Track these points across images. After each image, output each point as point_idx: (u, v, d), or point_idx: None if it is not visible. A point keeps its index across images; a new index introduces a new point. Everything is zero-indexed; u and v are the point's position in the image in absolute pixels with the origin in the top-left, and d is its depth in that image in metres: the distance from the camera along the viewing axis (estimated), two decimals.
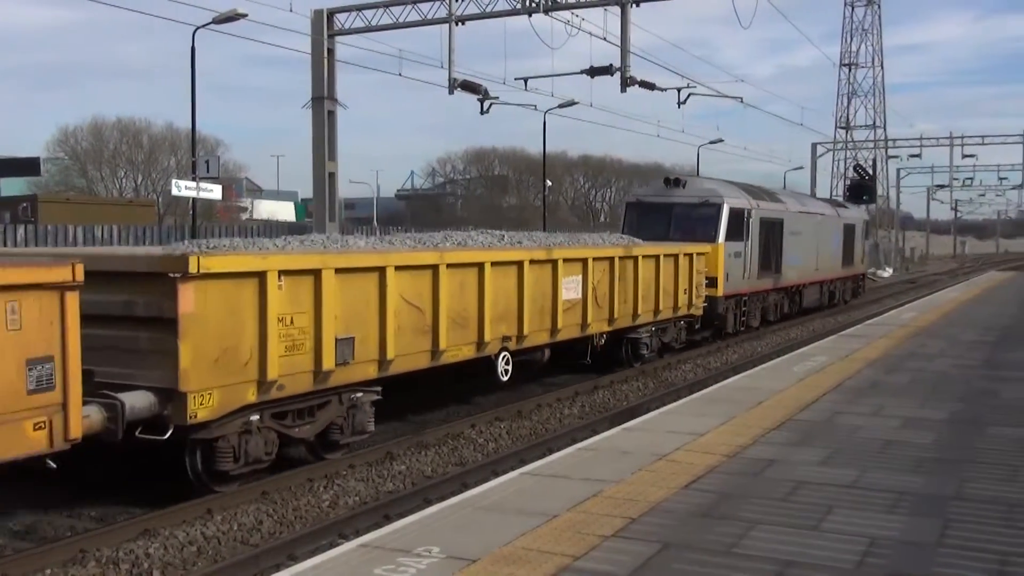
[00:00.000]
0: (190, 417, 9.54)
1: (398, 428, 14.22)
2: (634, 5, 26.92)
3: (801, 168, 75.38)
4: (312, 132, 32.66)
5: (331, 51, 32.00)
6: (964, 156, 76.91)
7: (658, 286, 19.63)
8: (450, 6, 29.21)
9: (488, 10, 29.30)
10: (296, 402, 11.06)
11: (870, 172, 60.89)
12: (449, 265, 13.23)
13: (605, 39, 27.67)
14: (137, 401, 9.22)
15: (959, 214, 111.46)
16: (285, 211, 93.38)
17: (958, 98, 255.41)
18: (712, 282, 23.07)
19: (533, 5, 28.23)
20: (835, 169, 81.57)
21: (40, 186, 66.20)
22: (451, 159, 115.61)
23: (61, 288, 8.14)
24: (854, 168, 63.41)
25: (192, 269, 9.37)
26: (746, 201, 26.15)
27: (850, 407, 11.17)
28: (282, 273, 10.49)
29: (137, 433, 9.44)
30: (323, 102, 32.05)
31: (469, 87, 29.25)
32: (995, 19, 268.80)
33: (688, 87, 32.75)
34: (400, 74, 33.82)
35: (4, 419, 7.74)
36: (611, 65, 27.72)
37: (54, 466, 8.46)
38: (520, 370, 15.63)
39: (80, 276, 8.27)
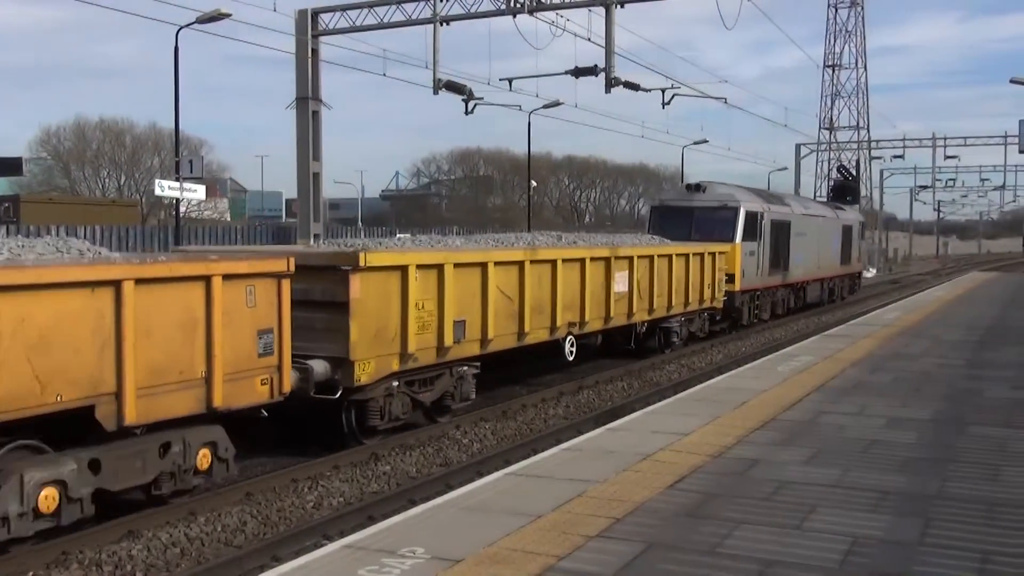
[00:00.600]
0: (356, 380, 12.01)
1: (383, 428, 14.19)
2: (618, 6, 26.97)
3: (785, 169, 75.69)
4: (296, 132, 32.59)
5: (315, 51, 31.94)
6: (947, 157, 77.25)
7: (687, 281, 22.17)
8: (435, 6, 29.20)
9: (473, 10, 29.30)
10: (423, 372, 13.56)
11: (853, 173, 61.11)
12: (532, 261, 15.73)
13: (590, 40, 27.73)
14: (319, 367, 11.66)
15: (942, 215, 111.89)
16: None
17: (941, 99, 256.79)
18: (730, 278, 25.50)
19: (518, 6, 28.23)
20: (819, 170, 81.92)
21: (23, 186, 65.85)
22: (436, 159, 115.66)
23: (279, 276, 10.56)
24: (838, 169, 63.63)
25: (361, 263, 11.89)
26: (759, 205, 28.71)
27: (834, 407, 11.21)
28: (418, 267, 12.98)
29: (312, 393, 11.60)
30: (307, 102, 31.98)
31: (454, 87, 29.24)
32: (977, 21, 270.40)
33: (672, 88, 32.82)
34: (385, 74, 33.77)
35: (244, 375, 10.15)
36: (596, 66, 27.76)
37: (266, 415, 10.84)
38: (539, 361, 17.82)
39: (292, 267, 10.66)
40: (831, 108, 79.69)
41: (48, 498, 8.44)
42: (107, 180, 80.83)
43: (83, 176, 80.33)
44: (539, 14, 27.79)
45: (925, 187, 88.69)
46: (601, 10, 27.21)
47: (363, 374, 12.12)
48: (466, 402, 14.59)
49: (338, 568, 5.88)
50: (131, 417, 8.98)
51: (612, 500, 7.26)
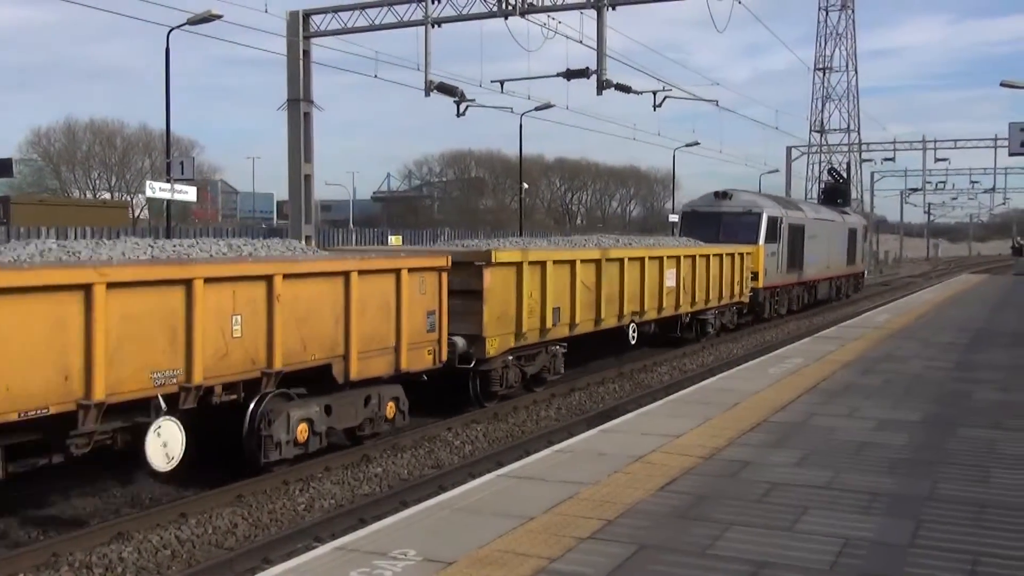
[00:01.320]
0: (486, 354, 14.92)
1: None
2: (610, 8, 26.99)
3: (776, 171, 75.75)
4: (288, 134, 32.53)
5: (307, 53, 31.90)
6: (937, 160, 77.48)
7: (721, 278, 25.19)
8: (426, 8, 29.18)
9: (464, 12, 29.30)
10: (529, 350, 16.49)
11: (844, 176, 61.35)
12: (606, 259, 18.80)
13: (581, 42, 27.72)
14: (460, 342, 14.57)
15: (932, 217, 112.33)
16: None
17: (931, 102, 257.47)
18: (754, 276, 28.51)
19: (509, 8, 28.23)
20: (809, 172, 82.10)
21: (13, 187, 65.64)
22: (427, 161, 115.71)
23: (440, 270, 13.68)
24: (828, 172, 63.86)
25: (492, 260, 14.89)
26: (778, 210, 32.04)
27: (825, 409, 11.23)
28: (529, 263, 15.94)
29: (456, 364, 14.51)
30: (299, 104, 31.94)
31: (445, 89, 29.21)
32: (967, 24, 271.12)
33: (664, 90, 32.81)
34: (376, 76, 33.68)
35: (418, 346, 13.21)
36: (587, 68, 27.75)
37: (425, 378, 13.71)
38: (605, 345, 20.51)
39: (450, 263, 13.81)
40: (822, 111, 79.91)
41: (302, 431, 11.31)
42: (98, 181, 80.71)
43: (73, 177, 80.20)
44: (531, 16, 27.80)
45: (915, 190, 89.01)
46: (593, 12, 27.23)
47: (491, 348, 15.08)
48: (557, 375, 17.62)
49: (329, 570, 5.88)
50: (353, 374, 12.02)
51: (604, 502, 7.27)
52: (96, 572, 8.46)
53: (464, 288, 14.51)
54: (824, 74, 79.42)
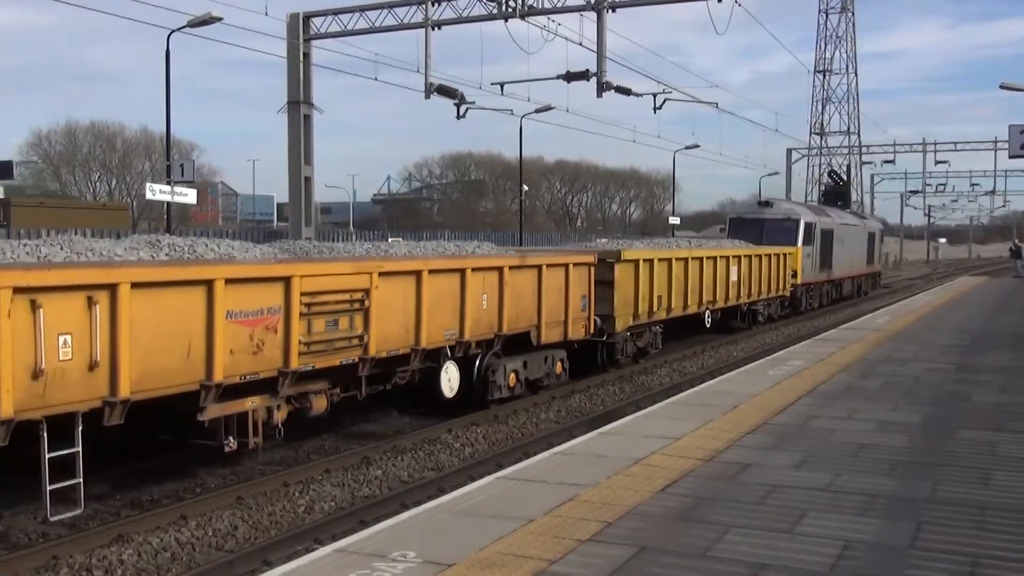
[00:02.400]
0: (615, 329, 19.32)
1: (375, 432, 14.19)
2: (610, 11, 27.04)
3: (776, 173, 75.85)
4: (288, 136, 32.59)
5: (307, 55, 31.96)
6: (937, 162, 77.64)
7: (769, 275, 29.58)
8: (426, 11, 29.23)
9: (464, 15, 29.34)
10: (639, 329, 20.90)
11: (844, 178, 61.39)
12: (692, 258, 23.38)
13: (581, 44, 27.79)
14: (597, 320, 18.56)
15: (932, 219, 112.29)
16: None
17: (931, 105, 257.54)
18: (793, 274, 32.68)
19: (509, 10, 28.28)
20: (809, 175, 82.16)
21: (13, 190, 65.56)
22: (427, 164, 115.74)
23: (590, 265, 18.15)
24: (828, 174, 63.88)
25: (621, 258, 19.38)
26: (812, 217, 36.62)
27: (824, 411, 11.23)
28: (643, 260, 20.37)
29: (593, 336, 18.64)
30: (299, 106, 32.00)
31: (445, 92, 29.24)
32: (966, 27, 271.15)
33: (664, 92, 32.91)
34: (376, 78, 33.79)
35: (576, 321, 17.60)
36: (587, 70, 27.82)
37: (576, 346, 18.05)
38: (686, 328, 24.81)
39: (596, 260, 18.39)
40: (822, 113, 79.97)
41: (512, 379, 15.95)
42: (98, 184, 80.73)
43: (74, 180, 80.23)
44: (531, 19, 27.87)
45: (916, 192, 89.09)
46: (593, 15, 27.30)
47: (619, 326, 19.42)
48: (656, 350, 22.11)
49: (329, 572, 5.88)
50: (543, 339, 16.60)
51: (603, 504, 7.27)
52: (96, 574, 8.46)
53: (600, 279, 18.59)
54: (824, 76, 79.49)
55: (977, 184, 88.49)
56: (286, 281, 10.89)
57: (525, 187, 63.88)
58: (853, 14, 79.22)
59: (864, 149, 79.81)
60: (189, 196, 29.81)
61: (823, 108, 79.86)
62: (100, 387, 8.85)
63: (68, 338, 8.59)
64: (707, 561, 6.03)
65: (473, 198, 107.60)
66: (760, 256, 28.76)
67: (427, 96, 29.05)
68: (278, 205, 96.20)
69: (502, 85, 31.04)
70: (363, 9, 30.97)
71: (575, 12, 27.73)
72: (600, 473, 8.21)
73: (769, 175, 75.01)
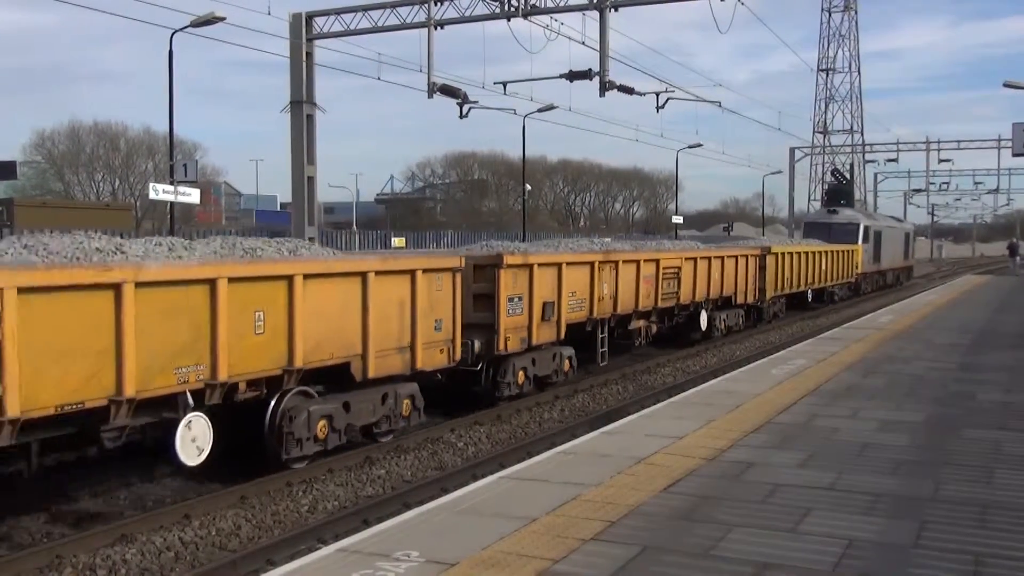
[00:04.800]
0: (767, 297, 28.64)
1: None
2: (612, 10, 27.01)
3: (780, 172, 75.79)
4: (291, 136, 32.58)
5: (309, 55, 31.95)
6: (940, 161, 77.46)
7: (842, 265, 39.08)
8: (429, 10, 29.21)
9: (467, 14, 29.32)
10: (780, 296, 29.00)
11: (848, 177, 61.44)
12: (799, 252, 32.18)
13: (584, 44, 27.75)
14: (760, 293, 27.77)
15: (936, 218, 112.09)
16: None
17: (934, 104, 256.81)
18: (856, 266, 41.97)
19: (512, 10, 28.25)
20: (813, 173, 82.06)
21: (17, 190, 65.80)
22: (431, 163, 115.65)
23: (758, 257, 27.83)
24: (832, 173, 63.82)
25: (771, 251, 28.76)
26: (868, 221, 47.33)
27: (828, 410, 11.23)
28: (781, 253, 28.92)
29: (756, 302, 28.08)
30: (302, 106, 31.98)
31: (448, 91, 29.22)
32: (968, 25, 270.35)
33: (666, 92, 32.84)
34: (379, 78, 33.65)
35: (750, 292, 27.22)
36: (590, 69, 27.77)
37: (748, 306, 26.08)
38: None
39: (760, 252, 28.17)
40: (825, 112, 79.91)
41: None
42: (101, 184, 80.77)
43: (77, 180, 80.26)
44: (533, 18, 27.83)
45: (919, 191, 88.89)
46: (595, 14, 27.27)
47: (768, 295, 28.81)
48: (778, 318, 29.64)
49: (332, 571, 5.89)
50: (738, 300, 25.71)
51: (607, 503, 7.27)
52: (100, 574, 8.47)
53: (761, 265, 27.97)
54: (827, 75, 79.43)
55: (980, 182, 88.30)
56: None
57: (528, 187, 63.84)
58: (856, 12, 79.19)
59: (867, 148, 79.74)
60: (192, 196, 29.87)
61: (826, 107, 79.85)
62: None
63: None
64: (710, 560, 6.03)
65: (476, 198, 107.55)
66: (837, 252, 38.50)
67: (430, 96, 29.03)
68: (281, 205, 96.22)
69: (505, 85, 31.02)
70: (366, 9, 30.95)
71: (578, 11, 27.70)
72: (603, 472, 8.21)
73: (772, 174, 75.02)
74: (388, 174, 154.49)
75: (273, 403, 11.14)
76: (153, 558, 8.85)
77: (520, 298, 15.58)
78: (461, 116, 30.15)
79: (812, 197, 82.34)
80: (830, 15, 78.83)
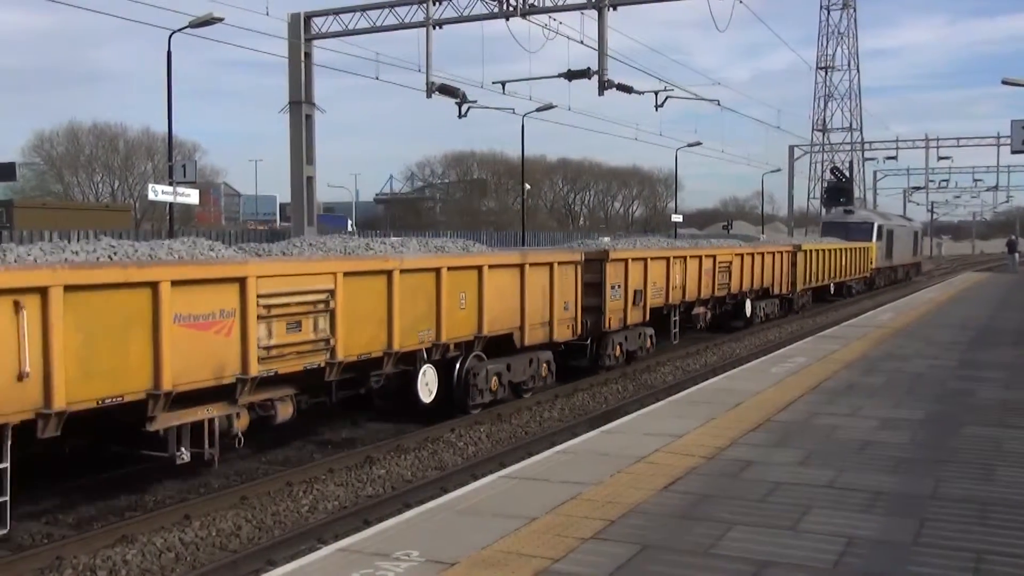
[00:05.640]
0: (797, 288, 32.56)
1: (378, 432, 14.19)
2: (611, 8, 27.01)
3: (779, 170, 75.73)
4: (290, 136, 32.60)
5: (308, 55, 31.97)
6: (939, 158, 77.41)
7: (858, 261, 42.67)
8: (427, 10, 29.22)
9: (465, 14, 29.33)
10: (808, 289, 33.44)
11: (847, 175, 61.54)
12: (830, 249, 37.54)
13: (582, 43, 27.76)
14: (792, 284, 32.04)
15: (935, 216, 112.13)
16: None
17: (933, 101, 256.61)
18: (870, 261, 45.82)
19: (510, 9, 28.27)
20: (812, 171, 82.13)
21: (16, 191, 65.79)
22: (429, 163, 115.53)
23: (791, 253, 31.69)
24: (831, 170, 63.91)
25: (802, 248, 33.06)
26: (881, 220, 51.54)
27: (827, 408, 11.23)
28: (810, 251, 33.94)
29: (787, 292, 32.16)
30: (300, 106, 32.00)
31: (447, 91, 29.24)
32: (966, 23, 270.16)
33: (665, 90, 32.89)
34: (377, 78, 33.73)
35: (785, 284, 31.33)
36: (589, 68, 27.79)
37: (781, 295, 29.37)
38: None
39: (793, 249, 32.02)
40: (824, 110, 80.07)
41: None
42: (100, 185, 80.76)
43: (76, 181, 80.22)
44: (532, 17, 27.84)
45: (918, 188, 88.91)
46: (593, 13, 27.28)
47: (799, 287, 32.45)
48: (810, 306, 33.75)
49: (332, 571, 5.89)
50: (774, 291, 29.84)
51: (606, 502, 7.27)
52: (100, 575, 8.46)
53: (792, 262, 31.41)
54: (826, 73, 79.54)
55: (980, 180, 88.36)
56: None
57: (527, 186, 63.85)
58: (855, 10, 79.33)
59: (866, 145, 79.81)
60: (191, 197, 29.84)
61: (825, 105, 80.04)
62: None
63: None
64: (710, 559, 6.03)
65: (475, 197, 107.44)
66: (855, 249, 42.54)
67: (429, 95, 29.05)
68: (280, 205, 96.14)
69: (503, 84, 31.04)
70: (364, 9, 30.97)
71: (576, 10, 27.71)
72: (603, 471, 8.21)
73: (772, 172, 74.99)
74: (387, 174, 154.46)
75: (459, 363, 14.49)
76: (153, 559, 8.85)
77: (619, 286, 19.20)
78: (460, 116, 30.17)
79: (811, 195, 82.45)
80: (829, 13, 78.99)
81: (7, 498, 8.43)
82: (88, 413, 8.87)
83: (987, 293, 34.81)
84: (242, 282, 10.28)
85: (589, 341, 18.51)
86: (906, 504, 7.24)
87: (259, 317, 10.50)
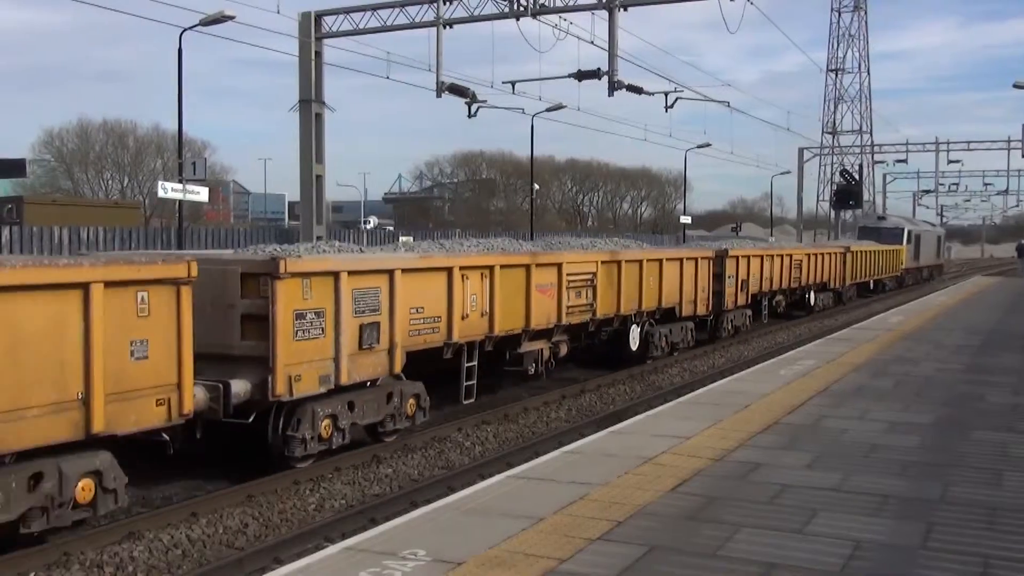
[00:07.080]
0: (846, 283, 39.14)
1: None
2: (621, 9, 26.98)
3: (788, 173, 75.58)
4: (299, 135, 32.61)
5: (318, 54, 31.97)
6: (950, 162, 77.22)
7: (890, 262, 48.00)
8: (438, 9, 29.21)
9: (476, 14, 29.32)
10: (855, 283, 40.82)
11: (856, 177, 61.46)
12: (866, 251, 42.91)
13: (593, 43, 27.72)
14: (844, 281, 38.80)
15: (945, 219, 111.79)
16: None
17: (943, 104, 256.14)
18: (901, 262, 51.16)
19: (521, 9, 28.25)
20: (822, 174, 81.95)
21: (26, 188, 65.88)
22: (439, 162, 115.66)
23: (840, 255, 37.24)
24: (841, 173, 63.79)
25: (850, 250, 39.16)
26: (910, 225, 57.26)
27: (836, 411, 11.20)
28: (856, 252, 40.45)
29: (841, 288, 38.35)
30: (310, 105, 32.01)
31: (457, 90, 29.22)
32: (977, 26, 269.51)
33: (675, 91, 32.82)
34: (388, 77, 33.63)
35: (838, 279, 37.33)
36: (599, 69, 27.75)
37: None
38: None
39: (844, 250, 38.75)
40: (834, 112, 79.78)
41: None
42: (110, 182, 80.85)
43: (86, 178, 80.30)
44: (542, 17, 27.82)
45: (928, 191, 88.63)
46: (604, 13, 27.23)
47: (847, 281, 38.48)
48: (853, 299, 39.66)
49: (339, 570, 5.89)
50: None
51: (613, 503, 7.26)
52: (107, 571, 8.49)
53: (841, 261, 36.51)
54: (836, 75, 79.33)
55: (990, 183, 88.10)
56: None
57: (536, 186, 63.86)
58: (865, 13, 79.08)
59: (876, 148, 79.53)
60: (201, 194, 29.86)
61: (835, 107, 79.74)
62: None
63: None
64: (717, 560, 6.02)
65: (484, 197, 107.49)
66: (889, 251, 48.00)
67: (439, 95, 29.03)
68: (289, 203, 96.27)
69: (513, 84, 31.01)
70: (375, 8, 30.96)
71: (587, 11, 27.67)
72: (610, 472, 8.21)
73: (781, 174, 74.85)
74: (396, 173, 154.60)
75: (645, 326, 20.58)
76: (160, 555, 8.87)
77: (733, 276, 24.61)
78: (469, 115, 30.15)
79: (821, 198, 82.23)
80: (839, 15, 78.77)
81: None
82: (498, 339, 15.00)
83: (996, 297, 34.69)
84: (559, 265, 16.58)
85: (711, 317, 23.99)
86: (914, 508, 7.22)
87: (566, 287, 16.71)
